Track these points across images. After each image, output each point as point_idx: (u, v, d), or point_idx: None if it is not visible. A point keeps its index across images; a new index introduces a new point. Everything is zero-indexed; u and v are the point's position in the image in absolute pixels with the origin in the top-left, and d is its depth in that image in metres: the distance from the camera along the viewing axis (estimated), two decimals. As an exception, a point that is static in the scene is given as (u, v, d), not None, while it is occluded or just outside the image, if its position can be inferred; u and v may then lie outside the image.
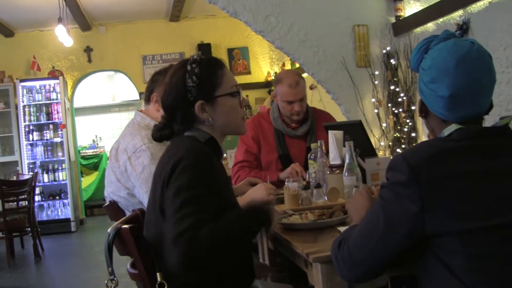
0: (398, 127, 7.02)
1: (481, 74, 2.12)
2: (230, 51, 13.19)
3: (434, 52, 2.17)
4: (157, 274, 2.62)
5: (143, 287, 2.69)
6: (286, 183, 3.44)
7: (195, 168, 2.58)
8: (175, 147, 2.78)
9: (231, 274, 2.72)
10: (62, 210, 12.49)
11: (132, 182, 3.80)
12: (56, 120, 12.50)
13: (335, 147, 3.54)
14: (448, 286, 2.01)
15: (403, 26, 6.92)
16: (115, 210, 3.86)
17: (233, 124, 2.93)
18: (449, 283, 2.00)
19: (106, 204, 3.92)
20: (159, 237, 2.69)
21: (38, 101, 12.47)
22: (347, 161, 3.28)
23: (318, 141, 3.74)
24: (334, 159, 3.53)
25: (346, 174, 3.27)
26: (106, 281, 2.69)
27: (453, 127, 2.11)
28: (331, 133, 3.58)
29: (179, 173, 2.56)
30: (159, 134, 2.91)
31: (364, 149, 3.72)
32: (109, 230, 2.71)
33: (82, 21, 12.10)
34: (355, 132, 3.72)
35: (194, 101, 2.78)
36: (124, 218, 3.04)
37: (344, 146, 3.37)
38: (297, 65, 9.28)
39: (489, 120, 2.21)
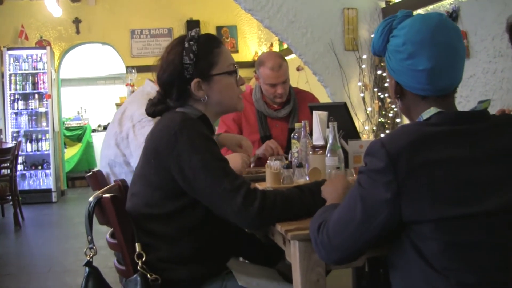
0: (383, 112, 7.04)
1: (456, 41, 2.13)
2: (218, 29, 13.13)
3: (404, 29, 2.15)
4: (136, 244, 2.65)
5: (122, 257, 2.71)
6: (268, 161, 3.45)
7: (197, 138, 2.63)
8: (163, 121, 2.79)
9: (208, 250, 2.76)
10: (44, 180, 12.48)
11: (130, 150, 3.79)
12: (42, 90, 12.48)
13: (319, 128, 3.53)
14: (419, 271, 2.03)
15: (392, 11, 6.88)
16: (97, 180, 3.85)
17: (228, 102, 2.94)
18: (420, 267, 2.03)
19: (89, 174, 3.91)
20: (144, 209, 2.73)
21: (25, 70, 12.46)
22: (330, 142, 3.28)
23: (302, 121, 3.73)
24: (317, 139, 3.53)
25: (328, 154, 3.27)
26: (85, 249, 2.71)
27: (432, 110, 2.10)
28: (315, 114, 3.58)
29: (186, 149, 2.59)
30: (153, 109, 2.91)
31: (348, 131, 3.72)
32: (90, 199, 2.72)
33: (71, -9, 12.02)
34: (339, 114, 3.73)
35: (190, 78, 2.79)
36: (105, 188, 3.05)
37: (328, 127, 3.37)
38: (285, 46, 9.27)
39: (468, 106, 2.21)
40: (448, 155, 1.98)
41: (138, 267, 2.61)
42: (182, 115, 2.75)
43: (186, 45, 2.79)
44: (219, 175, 2.56)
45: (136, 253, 2.63)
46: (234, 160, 3.60)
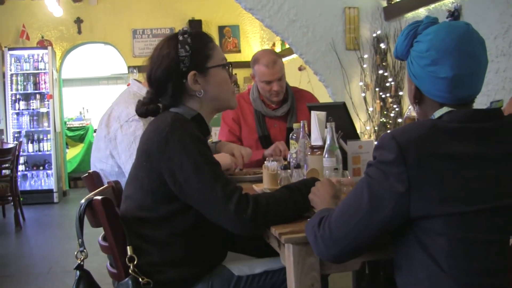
0: (385, 112, 7.00)
1: (479, 53, 2.11)
2: (221, 28, 13.12)
3: (429, 35, 2.13)
4: (128, 247, 2.61)
5: (113, 260, 2.68)
6: (265, 162, 3.40)
7: (189, 141, 2.57)
8: (155, 122, 2.74)
9: (200, 252, 2.73)
10: (46, 180, 12.46)
11: (118, 151, 3.75)
12: (43, 90, 12.44)
13: (317, 128, 3.49)
14: (425, 271, 2.01)
15: (394, 10, 6.87)
16: (93, 181, 3.81)
17: (224, 97, 2.91)
18: (426, 267, 2.01)
19: (85, 175, 3.86)
20: (137, 212, 2.69)
21: (26, 70, 12.41)
22: (327, 142, 3.24)
23: (301, 121, 3.69)
24: (315, 140, 3.49)
25: (326, 155, 3.23)
26: (75, 253, 2.66)
27: (444, 109, 2.09)
28: (313, 114, 3.53)
29: (177, 152, 2.54)
30: (144, 108, 2.86)
31: (347, 131, 3.68)
32: (82, 201, 2.68)
33: (73, -9, 12.01)
34: (338, 114, 3.68)
35: (186, 71, 2.75)
36: (97, 190, 3.00)
37: (326, 127, 3.33)
38: (287, 45, 9.25)
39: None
40: (458, 150, 1.97)
41: (130, 271, 2.58)
42: (174, 116, 2.69)
43: (181, 38, 2.78)
44: (211, 179, 2.51)
45: (128, 256, 2.60)
46: (224, 157, 3.59)
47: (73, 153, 15.13)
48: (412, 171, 1.95)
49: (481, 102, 5.28)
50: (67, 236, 8.89)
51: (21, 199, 10.14)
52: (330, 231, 2.10)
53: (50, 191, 12.33)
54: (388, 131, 2.14)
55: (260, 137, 4.85)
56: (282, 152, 4.41)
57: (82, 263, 2.67)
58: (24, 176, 12.39)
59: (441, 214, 1.95)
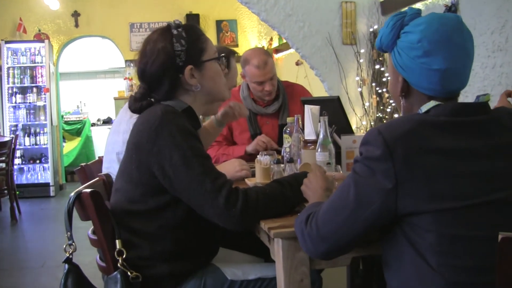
0: (381, 107, 6.98)
1: (469, 46, 2.10)
2: (218, 23, 13.11)
3: (420, 26, 2.09)
4: (117, 241, 2.58)
5: (102, 253, 2.66)
6: (258, 156, 3.38)
7: (179, 134, 2.54)
8: (145, 115, 2.69)
9: (191, 247, 2.71)
10: (42, 174, 12.45)
11: None
12: (40, 84, 12.45)
13: (311, 122, 3.47)
14: (413, 267, 1.99)
15: (391, 5, 6.83)
16: (85, 174, 3.80)
17: (219, 89, 2.88)
18: (415, 263, 1.98)
19: (77, 168, 3.85)
20: (127, 205, 2.67)
21: (23, 63, 12.41)
22: (320, 136, 3.22)
23: (295, 115, 3.68)
24: (309, 134, 3.47)
25: (319, 150, 3.21)
26: (64, 246, 2.64)
27: (431, 103, 2.06)
28: (307, 108, 3.51)
29: (167, 145, 2.51)
30: (138, 105, 2.79)
31: (341, 125, 3.66)
32: (71, 194, 2.65)
33: (70, -16, 11.98)
34: (332, 108, 3.67)
35: (183, 66, 2.71)
36: (88, 182, 2.99)
37: (320, 121, 3.31)
38: (284, 40, 9.25)
39: (466, 101, 2.16)
40: (447, 145, 1.95)
41: (119, 264, 2.56)
42: (164, 109, 2.64)
43: (175, 32, 2.72)
44: (200, 173, 2.48)
45: (117, 250, 2.58)
46: (231, 164, 3.52)
47: (70, 147, 15.11)
48: (400, 167, 1.92)
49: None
50: (62, 230, 8.76)
51: (17, 192, 10.14)
52: (317, 228, 2.09)
53: (46, 185, 12.34)
54: (374, 127, 2.11)
55: (252, 136, 4.82)
56: (266, 144, 4.38)
57: (71, 256, 2.65)
58: (21, 170, 12.38)
59: (430, 210, 1.93)
